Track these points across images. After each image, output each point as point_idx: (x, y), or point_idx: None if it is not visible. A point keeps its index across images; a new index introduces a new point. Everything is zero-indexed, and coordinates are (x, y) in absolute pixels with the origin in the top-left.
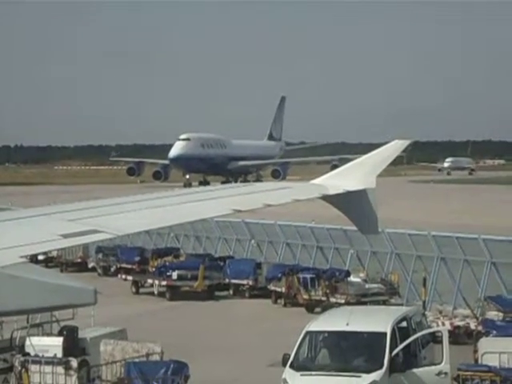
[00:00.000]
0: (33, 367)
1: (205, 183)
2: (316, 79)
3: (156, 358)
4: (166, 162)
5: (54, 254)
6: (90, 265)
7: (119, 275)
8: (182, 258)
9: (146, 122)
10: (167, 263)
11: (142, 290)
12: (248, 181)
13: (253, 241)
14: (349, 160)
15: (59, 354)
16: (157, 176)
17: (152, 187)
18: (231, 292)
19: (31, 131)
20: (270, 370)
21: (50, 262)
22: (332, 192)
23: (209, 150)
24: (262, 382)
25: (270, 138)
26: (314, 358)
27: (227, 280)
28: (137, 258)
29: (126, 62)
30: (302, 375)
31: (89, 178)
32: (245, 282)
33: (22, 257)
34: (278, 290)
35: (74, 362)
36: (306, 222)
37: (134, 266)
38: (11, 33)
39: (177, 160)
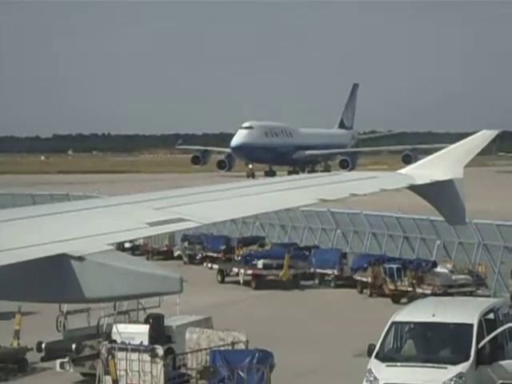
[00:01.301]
0: (119, 354)
1: (271, 173)
2: (398, 65)
3: (241, 346)
4: None
5: (141, 242)
6: (176, 253)
7: (205, 264)
8: (267, 247)
9: (226, 109)
10: (253, 252)
11: (227, 279)
12: (316, 171)
13: (338, 230)
14: (421, 150)
15: (145, 342)
16: (221, 165)
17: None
18: (316, 281)
19: (119, 120)
20: (355, 359)
21: (136, 249)
22: (419, 182)
23: (273, 139)
24: (347, 371)
25: (341, 126)
26: (400, 349)
27: (312, 269)
28: (222, 247)
29: (200, 52)
30: (387, 366)
31: (174, 166)
32: (330, 271)
33: (109, 244)
34: (364, 280)
35: (160, 350)
36: (392, 211)
37: (220, 255)
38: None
39: (238, 149)
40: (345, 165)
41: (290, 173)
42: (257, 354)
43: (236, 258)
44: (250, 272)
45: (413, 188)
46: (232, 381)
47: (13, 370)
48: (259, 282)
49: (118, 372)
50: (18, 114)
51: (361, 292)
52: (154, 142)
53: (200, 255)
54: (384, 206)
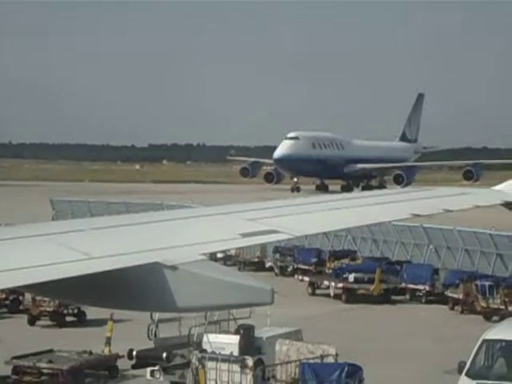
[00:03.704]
0: (209, 364)
1: (323, 187)
2: (472, 72)
3: (330, 359)
4: None
5: (233, 252)
6: (268, 264)
7: (296, 276)
8: (358, 261)
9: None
10: (344, 265)
11: (318, 292)
12: (371, 186)
13: (431, 246)
14: (483, 165)
15: (235, 352)
16: (268, 178)
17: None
18: (407, 297)
19: (213, 131)
20: (445, 377)
21: (228, 260)
22: None
23: (321, 151)
24: None
25: (403, 139)
26: (491, 367)
27: (404, 284)
28: (314, 260)
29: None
30: None
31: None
32: (421, 287)
33: (201, 254)
34: (456, 296)
35: (250, 361)
36: (485, 228)
37: (311, 267)
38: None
39: (282, 161)
40: (399, 180)
41: (342, 187)
42: (346, 368)
43: (327, 270)
44: (340, 285)
45: (507, 205)
46: None
47: (103, 376)
48: (350, 296)
49: (207, 382)
50: (115, 124)
51: (452, 308)
52: (248, 153)
53: (291, 267)
54: (477, 222)
